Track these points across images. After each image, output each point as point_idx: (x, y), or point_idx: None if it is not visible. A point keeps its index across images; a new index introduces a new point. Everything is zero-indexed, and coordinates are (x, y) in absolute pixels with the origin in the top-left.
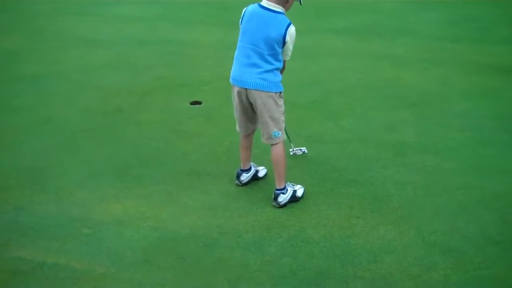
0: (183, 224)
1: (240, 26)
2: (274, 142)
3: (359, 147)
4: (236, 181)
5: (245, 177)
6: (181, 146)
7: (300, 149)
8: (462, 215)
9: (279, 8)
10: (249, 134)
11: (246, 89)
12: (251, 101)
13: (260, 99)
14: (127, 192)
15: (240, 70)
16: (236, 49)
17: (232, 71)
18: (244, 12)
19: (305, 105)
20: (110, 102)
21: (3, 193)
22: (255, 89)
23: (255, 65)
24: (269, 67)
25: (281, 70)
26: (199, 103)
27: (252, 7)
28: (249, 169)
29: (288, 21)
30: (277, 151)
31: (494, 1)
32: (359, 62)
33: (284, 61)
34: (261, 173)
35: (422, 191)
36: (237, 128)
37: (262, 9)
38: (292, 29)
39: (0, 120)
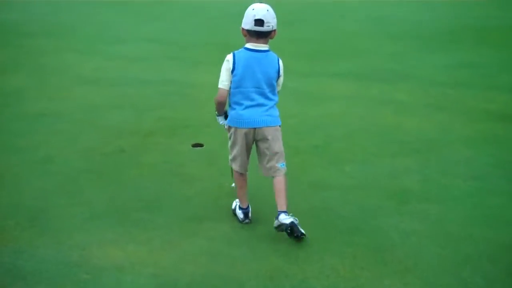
0: (184, 271)
1: (234, 73)
2: (283, 173)
3: (363, 194)
4: (246, 220)
5: (250, 213)
6: (183, 190)
7: None
8: (468, 267)
9: (266, 47)
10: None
11: (255, 128)
12: (258, 139)
13: (270, 135)
14: (127, 236)
15: (247, 112)
16: (233, 94)
17: (235, 115)
18: (235, 59)
19: (307, 150)
20: (112, 142)
21: (2, 235)
22: (266, 126)
23: (260, 105)
24: (272, 103)
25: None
26: (201, 145)
27: (242, 53)
28: (248, 205)
29: (275, 55)
30: (282, 179)
31: (496, 46)
32: (361, 107)
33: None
34: None
35: (426, 241)
36: (239, 168)
37: (253, 52)
38: (281, 61)
39: (2, 158)
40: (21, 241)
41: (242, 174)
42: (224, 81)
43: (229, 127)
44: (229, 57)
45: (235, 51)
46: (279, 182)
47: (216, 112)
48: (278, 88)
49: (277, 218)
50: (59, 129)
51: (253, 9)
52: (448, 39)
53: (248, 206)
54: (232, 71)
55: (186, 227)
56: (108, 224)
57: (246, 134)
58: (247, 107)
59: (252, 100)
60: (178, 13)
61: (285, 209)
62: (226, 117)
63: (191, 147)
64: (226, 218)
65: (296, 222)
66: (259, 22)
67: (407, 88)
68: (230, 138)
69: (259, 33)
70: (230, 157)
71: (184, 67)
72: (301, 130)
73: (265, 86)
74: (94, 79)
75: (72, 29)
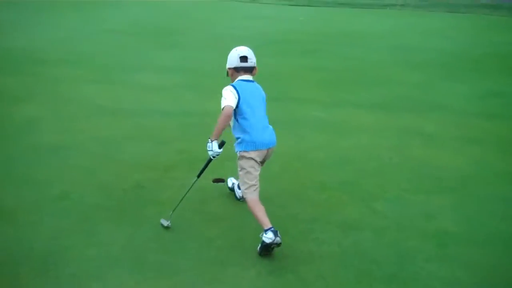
0: None
1: (241, 102)
2: None
3: (398, 236)
4: (278, 239)
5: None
6: (204, 230)
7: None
8: None
9: (252, 78)
10: None
11: (268, 149)
12: (265, 159)
13: (272, 153)
14: (146, 284)
15: (263, 134)
16: (246, 120)
17: (252, 138)
18: (238, 92)
19: (335, 186)
20: (130, 177)
21: (16, 281)
22: (274, 145)
23: (267, 127)
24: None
25: None
26: (222, 180)
27: (242, 84)
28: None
29: (259, 85)
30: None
31: None
32: (390, 139)
33: None
34: None
35: None
36: (256, 195)
37: (249, 83)
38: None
39: (15, 193)
40: None
41: (258, 196)
42: (229, 100)
43: (243, 155)
44: (231, 88)
45: (233, 84)
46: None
47: (210, 138)
48: None
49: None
50: (74, 163)
51: (236, 50)
52: (472, 67)
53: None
54: (238, 99)
55: (208, 273)
56: (125, 268)
57: (260, 156)
58: (260, 129)
59: (261, 122)
60: (197, 42)
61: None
62: (220, 146)
63: (212, 183)
64: (251, 263)
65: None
66: (244, 58)
67: (435, 118)
68: (243, 168)
69: (245, 68)
70: (243, 188)
71: (204, 97)
72: (328, 164)
73: (264, 108)
74: (111, 110)
75: (89, 57)
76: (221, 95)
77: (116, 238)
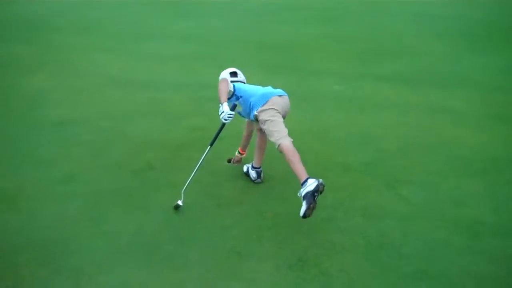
0: None
1: (236, 91)
2: None
3: (426, 226)
4: (321, 180)
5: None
6: (218, 217)
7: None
8: None
9: None
10: None
11: (281, 96)
12: (284, 110)
13: (289, 107)
14: (156, 277)
15: (267, 89)
16: (247, 91)
17: (261, 94)
18: (233, 84)
19: (358, 168)
20: (141, 156)
21: (14, 272)
22: (285, 95)
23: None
24: None
25: None
26: (238, 160)
27: (234, 81)
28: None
29: None
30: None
31: None
32: (415, 117)
33: None
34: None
35: None
36: (288, 138)
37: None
38: None
39: (18, 175)
40: (36, 281)
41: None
42: (226, 77)
43: (260, 110)
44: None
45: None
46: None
47: (220, 103)
48: None
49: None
50: (82, 140)
51: (227, 70)
52: (502, 38)
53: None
54: (234, 90)
55: (223, 266)
56: (134, 261)
57: (277, 104)
58: (264, 87)
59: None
60: (211, 10)
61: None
62: (232, 108)
63: (227, 163)
64: (269, 255)
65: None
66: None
67: (463, 94)
68: (265, 120)
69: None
70: (275, 138)
71: (219, 68)
72: (350, 143)
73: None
74: (123, 82)
75: (102, 26)
76: (237, 67)
77: (124, 227)
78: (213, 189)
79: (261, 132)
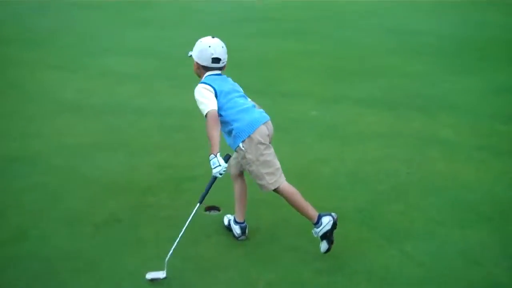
0: None
1: (218, 96)
2: None
3: None
4: (334, 214)
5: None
6: (200, 286)
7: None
8: None
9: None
10: None
11: (266, 123)
12: (270, 135)
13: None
14: None
15: (253, 113)
16: (231, 109)
17: (246, 120)
18: (213, 86)
19: (352, 217)
20: (103, 205)
21: None
22: (269, 119)
23: (253, 106)
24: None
25: None
26: (216, 209)
27: (211, 77)
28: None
29: None
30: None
31: None
32: (402, 148)
33: None
34: None
35: None
36: (283, 177)
37: (218, 76)
38: None
39: None
40: None
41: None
42: (210, 103)
43: (247, 143)
44: (202, 85)
45: (202, 81)
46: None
47: (213, 153)
48: None
49: None
50: (33, 183)
51: (209, 46)
52: (479, 55)
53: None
54: (216, 94)
55: None
56: None
57: (263, 133)
58: (251, 107)
59: (246, 103)
60: (170, 17)
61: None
62: (226, 160)
63: (205, 212)
64: None
65: None
66: (216, 60)
67: (450, 122)
68: (254, 161)
69: (215, 69)
70: (267, 181)
71: (182, 89)
72: (338, 184)
73: (242, 93)
74: (77, 107)
75: (48, 36)
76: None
77: None
78: (189, 248)
79: (241, 178)
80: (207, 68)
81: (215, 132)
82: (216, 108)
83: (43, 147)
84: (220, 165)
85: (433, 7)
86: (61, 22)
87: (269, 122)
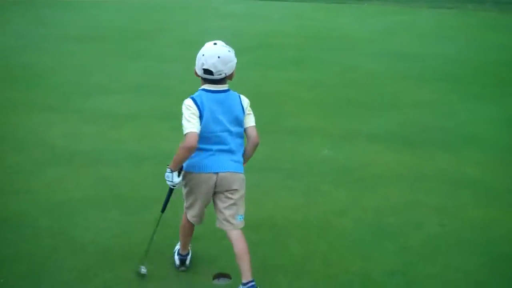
0: None
1: (201, 118)
2: (240, 227)
3: None
4: (182, 268)
5: (188, 260)
6: None
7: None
8: None
9: (224, 87)
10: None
11: (217, 174)
12: (221, 184)
13: (236, 182)
14: None
15: (215, 157)
16: (200, 140)
17: (197, 161)
18: (197, 103)
19: (382, 281)
20: (97, 278)
21: None
22: (232, 172)
23: (230, 151)
24: (241, 149)
25: (255, 140)
26: (227, 276)
27: (202, 95)
28: (188, 252)
29: (236, 93)
30: (241, 237)
31: None
32: (430, 193)
33: (254, 128)
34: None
35: None
36: (194, 219)
37: (213, 94)
38: (244, 98)
39: None
40: None
41: (192, 225)
42: (194, 123)
43: (186, 173)
44: (189, 102)
45: (193, 96)
46: (242, 240)
47: (170, 168)
48: (253, 123)
49: None
50: (17, 253)
51: (203, 55)
52: (491, 80)
53: (188, 253)
54: (200, 117)
55: None
56: None
57: (208, 179)
58: (217, 151)
59: (222, 144)
60: (167, 50)
61: (251, 278)
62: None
63: (212, 282)
64: None
65: None
66: (207, 71)
67: (478, 158)
68: (186, 186)
69: (211, 80)
70: (185, 204)
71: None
72: (362, 239)
73: (232, 128)
74: (67, 155)
75: (44, 74)
76: None
77: None
78: None
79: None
80: (203, 79)
81: (182, 156)
82: (197, 130)
83: (30, 205)
84: (172, 181)
85: (432, 31)
86: (56, 57)
87: (225, 172)
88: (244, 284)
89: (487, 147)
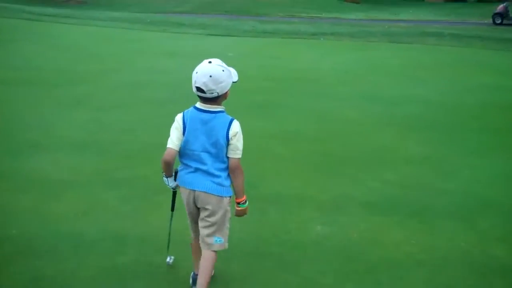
0: None
1: (184, 134)
2: (215, 248)
3: None
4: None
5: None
6: None
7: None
8: None
9: (217, 108)
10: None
11: (194, 191)
12: (198, 205)
13: (210, 204)
14: None
15: (193, 174)
16: (182, 155)
17: (179, 175)
18: (184, 119)
19: None
20: None
21: None
22: (206, 192)
23: (208, 173)
24: (221, 173)
25: (235, 173)
26: None
27: (190, 112)
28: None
29: (229, 118)
30: (210, 256)
31: None
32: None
33: (235, 160)
34: None
35: None
36: (192, 235)
37: (200, 112)
38: (235, 125)
39: None
40: None
41: (194, 239)
42: (173, 140)
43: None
44: (179, 116)
45: (186, 110)
46: (206, 259)
47: (164, 173)
48: (232, 155)
49: None
50: None
51: (196, 73)
52: (482, 128)
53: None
54: (184, 131)
55: None
56: None
57: (188, 195)
58: (195, 170)
59: (201, 163)
60: (110, 96)
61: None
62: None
63: None
64: None
65: None
66: (199, 89)
67: (498, 232)
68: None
69: (204, 98)
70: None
71: (141, 202)
72: None
73: (212, 151)
74: None
75: None
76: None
77: None
78: None
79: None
80: (198, 96)
81: (166, 168)
82: (175, 148)
83: None
84: (169, 185)
85: (401, 69)
86: None
87: (200, 192)
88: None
89: (500, 215)
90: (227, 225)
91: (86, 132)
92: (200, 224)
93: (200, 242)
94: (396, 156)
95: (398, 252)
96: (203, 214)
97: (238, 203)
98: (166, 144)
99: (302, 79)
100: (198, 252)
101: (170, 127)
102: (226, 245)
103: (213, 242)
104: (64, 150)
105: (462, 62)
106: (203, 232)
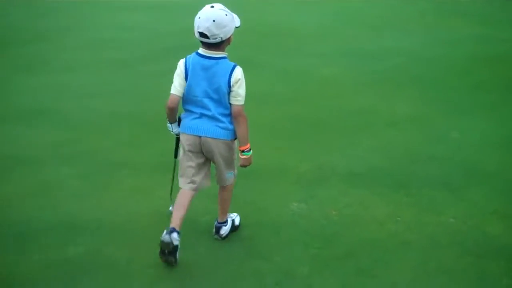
0: None
1: (186, 79)
2: (230, 182)
3: None
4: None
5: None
6: None
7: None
8: None
9: (219, 54)
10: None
11: (200, 137)
12: (205, 150)
13: (217, 148)
14: None
15: (197, 120)
16: (185, 102)
17: (183, 122)
18: (186, 64)
19: None
20: None
21: None
22: (212, 137)
23: (211, 118)
24: (224, 118)
25: (238, 120)
26: None
27: (192, 58)
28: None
29: (232, 64)
30: (226, 189)
31: None
32: (454, 274)
33: (237, 107)
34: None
35: None
36: (181, 182)
37: (202, 58)
38: (238, 72)
39: None
40: None
41: (184, 190)
42: (176, 86)
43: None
44: (181, 62)
45: (188, 56)
46: (223, 192)
47: (168, 120)
48: (234, 102)
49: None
50: None
51: (199, 18)
52: (472, 83)
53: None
54: (186, 77)
55: None
56: None
57: (194, 141)
58: (200, 115)
59: (205, 109)
60: (69, 54)
61: (220, 220)
62: (179, 124)
63: None
64: None
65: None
66: (203, 35)
67: (494, 206)
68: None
69: (207, 44)
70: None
71: (96, 185)
72: None
73: (215, 96)
74: None
75: None
76: None
77: None
78: None
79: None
80: (200, 41)
81: (170, 113)
82: (178, 94)
83: None
84: (173, 131)
85: (387, 21)
86: None
87: (207, 138)
88: (219, 222)
89: (497, 185)
90: (235, 157)
91: (42, 99)
92: (215, 166)
93: (216, 180)
94: (378, 119)
95: (382, 232)
96: (214, 157)
97: (242, 151)
98: (134, 112)
99: (274, 34)
100: (185, 204)
101: (138, 92)
102: (235, 177)
103: (226, 178)
104: (15, 121)
105: (446, 12)
106: (217, 173)
